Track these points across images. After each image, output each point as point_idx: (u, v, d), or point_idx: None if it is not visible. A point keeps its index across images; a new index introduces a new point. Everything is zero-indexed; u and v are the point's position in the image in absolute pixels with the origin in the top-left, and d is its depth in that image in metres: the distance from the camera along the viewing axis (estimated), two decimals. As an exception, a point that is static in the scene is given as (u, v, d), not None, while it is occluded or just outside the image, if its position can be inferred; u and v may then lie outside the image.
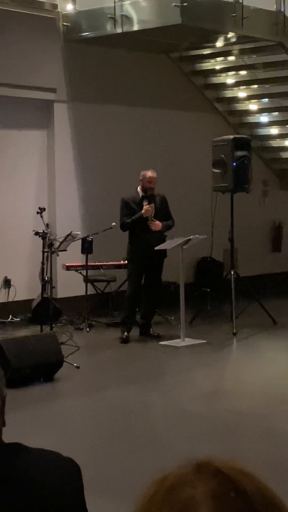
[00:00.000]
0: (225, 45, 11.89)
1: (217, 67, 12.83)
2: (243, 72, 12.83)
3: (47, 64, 11.25)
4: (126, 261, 10.37)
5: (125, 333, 9.88)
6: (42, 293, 10.22)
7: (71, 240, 10.12)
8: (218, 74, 13.04)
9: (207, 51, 12.34)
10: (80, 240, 10.53)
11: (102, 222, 10.69)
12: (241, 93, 13.22)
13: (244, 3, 10.81)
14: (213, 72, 12.99)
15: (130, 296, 9.99)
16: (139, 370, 8.55)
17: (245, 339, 10.03)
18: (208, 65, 12.85)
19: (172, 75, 12.71)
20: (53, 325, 9.64)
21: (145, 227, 9.84)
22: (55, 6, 11.40)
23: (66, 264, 10.83)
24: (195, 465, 1.02)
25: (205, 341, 9.73)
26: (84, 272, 10.73)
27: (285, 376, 8.25)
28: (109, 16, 10.85)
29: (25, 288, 11.18)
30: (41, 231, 9.75)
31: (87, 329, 10.46)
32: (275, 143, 14.07)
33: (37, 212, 9.77)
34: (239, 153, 10.58)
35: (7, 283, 11.16)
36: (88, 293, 10.68)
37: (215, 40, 11.66)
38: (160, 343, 9.74)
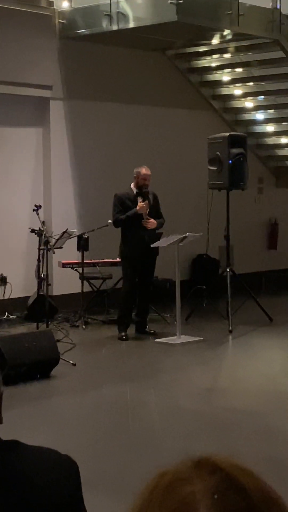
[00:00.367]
0: (221, 42, 11.89)
1: (213, 65, 12.83)
2: (239, 70, 12.83)
3: (43, 61, 11.24)
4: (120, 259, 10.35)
5: (123, 332, 9.88)
6: (38, 290, 10.23)
7: (67, 237, 10.12)
8: (214, 72, 13.04)
9: (203, 49, 12.34)
10: (76, 237, 10.52)
11: (98, 219, 10.69)
12: (237, 91, 13.22)
13: (240, 1, 10.81)
14: (209, 69, 12.99)
15: (126, 294, 9.98)
16: (135, 367, 8.55)
17: (241, 336, 10.03)
18: (204, 62, 12.85)
19: (168, 72, 12.71)
20: (49, 322, 9.64)
21: (139, 225, 9.83)
22: (50, 3, 11.39)
23: (62, 262, 10.83)
24: (193, 462, 1.02)
25: (201, 338, 9.74)
26: (80, 269, 10.73)
27: (281, 373, 8.26)
28: (104, 13, 10.84)
29: (21, 285, 11.18)
30: (37, 229, 9.75)
31: (83, 326, 10.46)
32: (270, 140, 14.08)
33: (33, 210, 9.77)
34: (235, 151, 10.58)
35: (3, 280, 11.15)
36: (84, 290, 10.68)
37: (211, 37, 11.66)
38: (156, 340, 9.74)
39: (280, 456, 5.76)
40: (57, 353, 8.10)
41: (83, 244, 10.53)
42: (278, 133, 13.83)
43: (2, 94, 10.94)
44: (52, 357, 8.03)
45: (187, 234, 9.97)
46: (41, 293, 10.11)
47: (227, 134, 10.90)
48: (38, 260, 9.99)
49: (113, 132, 12.03)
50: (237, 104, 13.53)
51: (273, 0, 11.35)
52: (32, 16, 11.03)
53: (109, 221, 10.10)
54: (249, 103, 13.40)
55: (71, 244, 10.46)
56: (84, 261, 10.61)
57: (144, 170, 9.95)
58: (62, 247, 10.05)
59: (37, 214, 9.72)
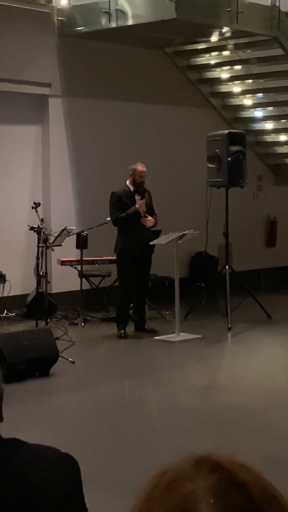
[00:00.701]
0: (220, 39, 11.87)
1: (212, 62, 12.82)
2: (237, 67, 12.82)
3: (42, 58, 11.22)
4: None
5: (122, 330, 9.87)
6: (37, 288, 10.22)
7: (66, 235, 10.12)
8: (213, 69, 13.03)
9: (201, 46, 12.33)
10: (75, 235, 10.52)
11: (97, 217, 10.68)
12: (236, 88, 13.21)
13: (239, -2, 10.81)
14: (208, 66, 12.98)
15: (123, 292, 9.97)
16: (134, 365, 8.55)
17: (239, 334, 10.03)
18: (203, 59, 12.84)
19: (167, 69, 12.70)
20: (48, 320, 9.64)
21: (138, 223, 9.82)
22: (49, 0, 11.38)
23: (61, 259, 10.82)
24: (195, 460, 1.02)
25: (200, 336, 9.74)
26: (79, 267, 10.73)
27: (280, 371, 8.27)
28: (103, 10, 10.83)
29: (20, 283, 11.18)
30: (36, 226, 9.75)
31: (82, 324, 10.46)
32: (269, 138, 14.07)
33: (32, 207, 9.77)
34: (234, 148, 10.58)
35: (2, 278, 11.14)
36: (83, 288, 10.68)
37: (210, 34, 11.65)
38: (155, 338, 9.74)
39: (279, 453, 5.76)
40: (56, 351, 8.10)
41: (82, 242, 10.52)
42: (277, 131, 13.82)
43: (1, 92, 10.92)
44: (51, 355, 8.03)
45: (186, 232, 9.96)
46: (40, 290, 10.10)
47: (226, 131, 10.89)
48: (37, 258, 9.99)
49: (112, 130, 12.02)
50: (236, 101, 13.52)
51: (272, -3, 11.35)
52: (30, 14, 11.02)
53: (108, 218, 10.09)
54: (248, 101, 13.40)
55: (70, 241, 10.46)
56: (83, 258, 10.61)
57: (140, 167, 9.93)
58: (61, 245, 10.05)
59: (36, 211, 9.71)
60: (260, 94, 13.26)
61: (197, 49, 12.51)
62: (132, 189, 9.92)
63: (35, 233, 9.77)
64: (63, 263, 10.86)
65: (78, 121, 11.69)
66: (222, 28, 11.22)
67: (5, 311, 10.97)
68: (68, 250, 10.54)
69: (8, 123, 11.20)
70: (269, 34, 11.32)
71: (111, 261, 10.95)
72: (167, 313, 10.86)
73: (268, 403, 7.09)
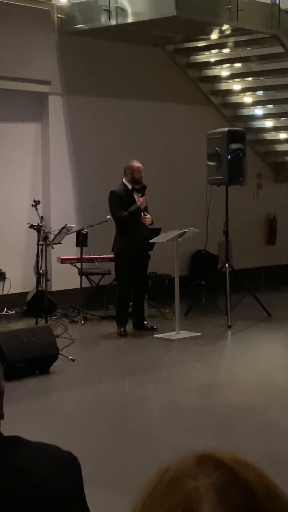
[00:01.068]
0: (219, 37, 11.87)
1: (212, 60, 12.81)
2: (237, 65, 12.82)
3: (42, 56, 11.22)
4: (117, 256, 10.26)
5: (122, 328, 9.87)
6: (37, 286, 10.22)
7: (66, 233, 10.11)
8: (213, 67, 13.02)
9: (201, 44, 12.32)
10: (75, 233, 10.51)
11: (97, 215, 10.67)
12: (236, 86, 13.20)
13: (239, -4, 10.80)
14: (208, 64, 12.97)
15: (123, 291, 9.95)
16: (134, 363, 8.55)
17: (240, 332, 10.03)
18: (203, 57, 12.83)
19: (167, 67, 12.69)
20: (48, 318, 9.64)
21: (138, 221, 9.81)
22: (49, -2, 11.37)
23: (61, 257, 10.81)
24: (197, 458, 1.01)
25: (200, 334, 9.74)
26: (78, 265, 10.72)
27: (279, 369, 8.26)
28: (103, 8, 10.83)
29: (20, 281, 11.18)
30: (36, 224, 9.74)
31: (82, 322, 10.46)
32: (269, 135, 14.07)
33: (32, 205, 9.76)
34: (234, 146, 10.57)
35: (2, 276, 11.14)
36: (83, 286, 10.67)
37: (210, 32, 11.65)
38: (155, 336, 9.74)
39: (279, 451, 5.76)
40: (56, 349, 8.09)
41: (82, 240, 10.51)
42: (277, 128, 13.82)
43: (0, 90, 10.91)
44: (51, 353, 8.03)
45: (186, 230, 9.95)
46: (40, 288, 10.10)
47: (226, 129, 10.88)
48: (37, 256, 9.99)
49: (111, 127, 12.01)
50: (236, 99, 13.52)
51: (272, -5, 11.34)
52: (30, 11, 11.01)
53: (108, 216, 10.07)
54: (248, 98, 13.39)
55: (70, 239, 10.45)
56: (83, 256, 10.60)
57: (136, 164, 9.92)
58: (61, 243, 10.04)
59: (36, 209, 9.70)
60: (260, 92, 13.26)
61: (197, 47, 12.50)
62: (130, 187, 9.90)
63: (35, 231, 9.77)
64: (63, 261, 10.86)
65: (78, 119, 11.68)
66: (222, 26, 11.21)
67: (5, 309, 10.97)
68: (68, 248, 10.53)
69: (7, 121, 11.20)
70: (269, 32, 11.32)
71: (111, 259, 10.94)
72: (167, 311, 10.86)
73: (268, 401, 7.09)
